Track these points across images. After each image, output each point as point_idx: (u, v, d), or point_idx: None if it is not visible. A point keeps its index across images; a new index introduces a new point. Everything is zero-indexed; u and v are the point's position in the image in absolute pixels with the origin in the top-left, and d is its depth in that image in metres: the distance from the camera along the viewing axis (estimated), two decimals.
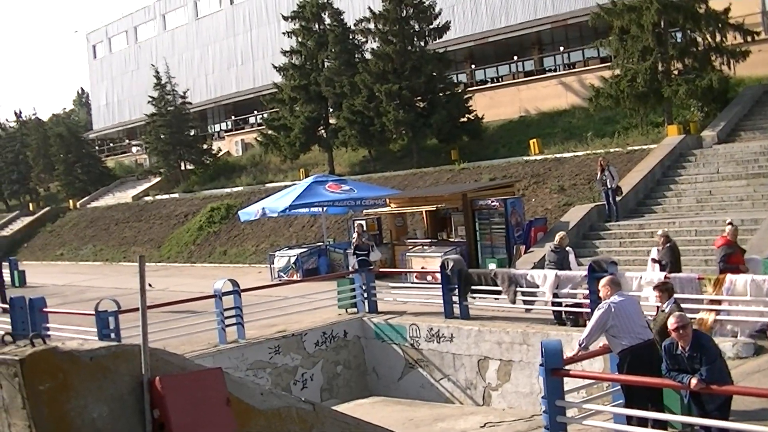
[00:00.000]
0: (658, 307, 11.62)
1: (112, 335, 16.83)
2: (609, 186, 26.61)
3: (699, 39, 32.53)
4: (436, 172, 38.81)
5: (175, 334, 18.58)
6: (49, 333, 18.69)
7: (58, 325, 19.52)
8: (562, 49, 48.30)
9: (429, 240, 28.03)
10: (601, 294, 10.61)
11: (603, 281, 10.63)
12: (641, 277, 16.22)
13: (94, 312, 17.37)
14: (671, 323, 9.19)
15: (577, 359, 10.78)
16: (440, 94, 41.36)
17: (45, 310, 19.81)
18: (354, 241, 26.85)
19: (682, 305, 15.33)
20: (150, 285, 31.76)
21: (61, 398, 8.14)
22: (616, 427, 10.32)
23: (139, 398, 8.47)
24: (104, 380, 8.43)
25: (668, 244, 17.95)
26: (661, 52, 31.79)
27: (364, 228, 28.08)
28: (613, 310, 10.15)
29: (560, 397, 9.84)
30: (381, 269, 25.30)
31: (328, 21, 46.16)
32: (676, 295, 14.82)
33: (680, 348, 9.12)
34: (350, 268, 24.21)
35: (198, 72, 69.88)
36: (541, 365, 9.88)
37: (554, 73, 45.59)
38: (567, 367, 10.09)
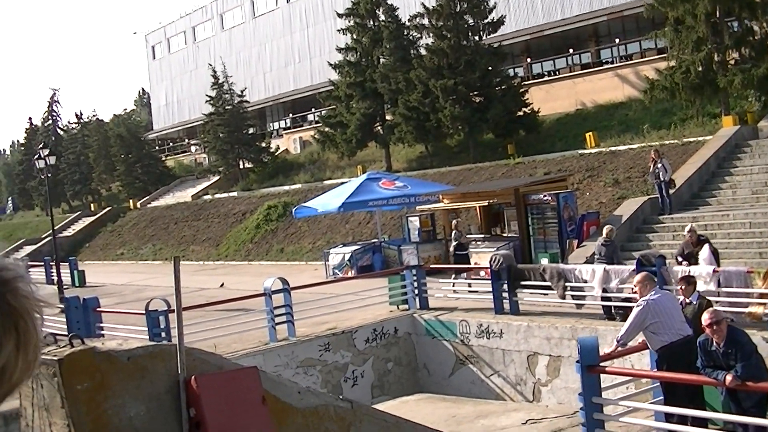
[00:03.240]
0: (682, 300, 11.53)
1: (163, 334, 17.06)
2: (662, 179, 26.36)
3: (756, 28, 31.98)
4: (491, 167, 38.71)
5: (226, 332, 18.86)
6: (102, 332, 19.10)
7: (112, 324, 19.90)
8: (618, 41, 47.80)
9: (482, 235, 28.00)
10: (636, 291, 10.55)
11: (638, 278, 10.60)
12: (689, 271, 16.05)
13: (144, 311, 17.66)
14: (705, 319, 9.14)
15: (614, 356, 10.74)
16: (496, 89, 41.20)
17: (98, 309, 20.18)
18: (454, 238, 26.31)
19: (733, 299, 15.25)
20: (222, 284, 32.27)
21: (99, 397, 8.35)
22: (655, 425, 10.27)
23: (176, 397, 8.66)
24: (141, 380, 8.63)
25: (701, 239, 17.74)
26: (716, 42, 31.33)
27: (457, 226, 27.11)
28: (651, 307, 10.11)
29: (597, 393, 9.83)
30: (433, 265, 25.33)
31: (382, 17, 46.23)
32: (727, 288, 14.72)
33: (715, 344, 9.06)
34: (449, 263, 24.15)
35: (256, 70, 70.40)
36: (577, 362, 9.88)
37: (610, 66, 45.18)
38: (606, 364, 10.08)
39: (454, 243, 25.98)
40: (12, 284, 1.26)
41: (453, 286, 22.64)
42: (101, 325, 19.91)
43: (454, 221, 27.48)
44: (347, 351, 19.52)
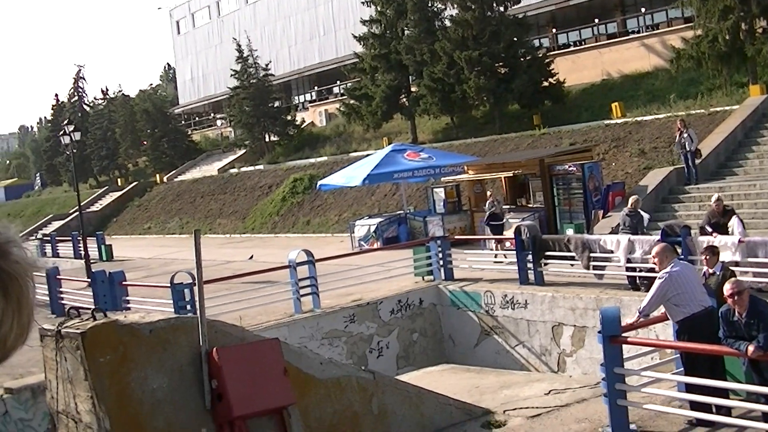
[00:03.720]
0: (706, 270, 11.48)
1: (188, 307, 17.17)
2: (688, 149, 26.20)
3: None
4: (517, 137, 38.57)
5: (253, 305, 18.98)
6: (129, 306, 19.28)
7: (138, 298, 20.06)
8: (644, 10, 47.29)
9: (508, 206, 27.96)
10: (655, 262, 10.49)
11: (655, 249, 10.53)
12: (715, 241, 15.96)
13: (169, 284, 17.78)
14: (727, 289, 9.09)
15: (637, 326, 10.73)
16: (521, 59, 40.97)
17: (124, 283, 20.34)
18: (487, 208, 25.94)
19: (757, 269, 15.16)
20: (251, 257, 32.41)
21: (122, 370, 8.46)
22: (678, 395, 10.26)
23: (198, 369, 8.76)
24: (164, 352, 8.73)
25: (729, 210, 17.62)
26: (743, 11, 30.96)
27: (494, 195, 26.95)
28: (673, 279, 10.06)
29: (619, 364, 9.83)
30: (458, 236, 25.32)
31: None
32: (755, 259, 14.63)
33: (737, 314, 9.02)
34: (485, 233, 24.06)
35: (281, 44, 70.25)
36: (599, 332, 9.87)
37: (637, 35, 44.73)
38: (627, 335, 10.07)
39: (488, 212, 25.77)
40: (3, 248, 1.24)
41: (495, 257, 22.63)
42: (127, 298, 20.10)
43: (489, 191, 27.42)
44: (372, 322, 19.59)
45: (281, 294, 19.41)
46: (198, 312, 9.29)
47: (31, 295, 1.28)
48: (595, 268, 18.26)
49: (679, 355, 10.62)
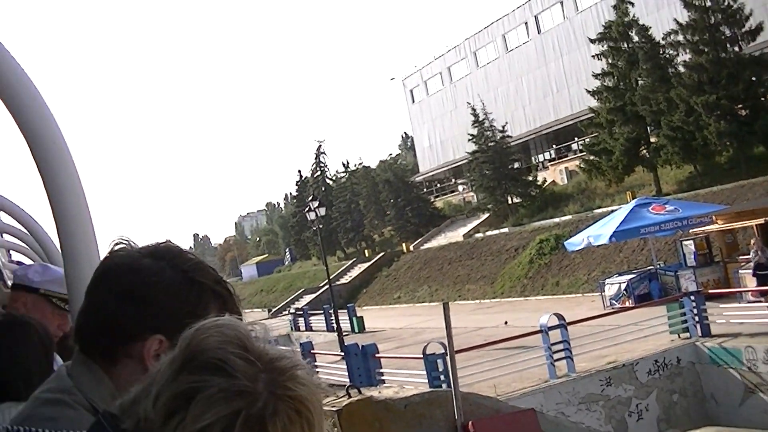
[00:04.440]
0: None
1: (442, 377, 17.51)
2: None
3: None
4: (765, 181, 37.00)
5: (507, 371, 19.11)
6: (382, 378, 19.88)
7: (392, 369, 20.65)
8: None
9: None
10: None
11: None
12: None
13: (422, 355, 18.21)
14: None
15: None
16: (762, 99, 39.53)
17: (377, 355, 20.96)
18: (752, 257, 25.00)
19: None
20: (506, 322, 32.68)
21: None
22: None
23: None
24: (419, 427, 9.09)
25: None
26: None
27: (758, 244, 25.38)
28: None
29: None
30: (712, 290, 24.56)
31: (635, 38, 45.63)
32: None
33: None
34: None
35: (515, 104, 70.74)
36: None
37: None
38: None
39: (753, 262, 24.77)
40: (292, 372, 1.30)
41: None
42: (381, 371, 20.69)
43: (752, 239, 26.40)
44: (629, 384, 19.28)
45: (535, 359, 19.49)
46: (452, 385, 9.61)
47: (321, 416, 1.33)
48: None
49: None
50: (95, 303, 1.77)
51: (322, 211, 44.86)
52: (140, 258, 1.77)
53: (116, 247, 1.82)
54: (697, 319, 20.69)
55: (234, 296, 1.81)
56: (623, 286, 30.88)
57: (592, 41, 48.89)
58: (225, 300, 1.78)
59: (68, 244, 3.88)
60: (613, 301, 30.95)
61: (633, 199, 37.44)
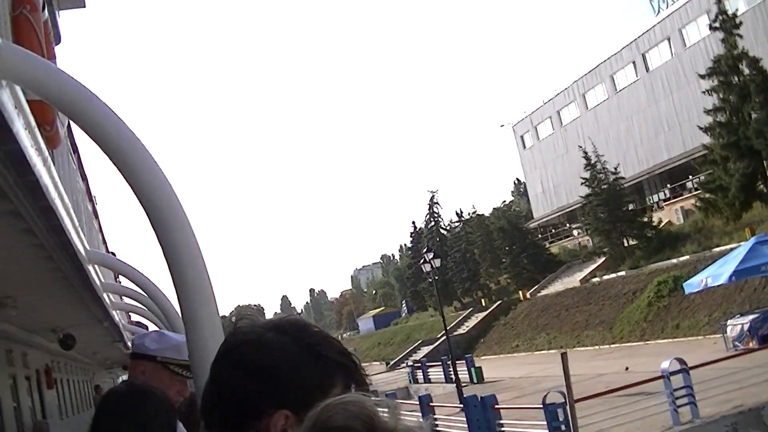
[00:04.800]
0: None
1: (562, 427, 17.28)
2: None
3: None
4: None
5: (629, 419, 18.73)
6: (503, 430, 19.69)
7: (511, 420, 20.44)
8: None
9: None
10: None
11: None
12: None
13: (541, 405, 18.01)
14: None
15: None
16: None
17: (496, 407, 20.78)
18: None
19: None
20: (627, 368, 32.10)
21: None
22: None
23: None
24: None
25: None
26: None
27: None
28: None
29: None
30: None
31: (746, 71, 44.75)
32: None
33: None
34: None
35: (626, 145, 69.94)
36: None
37: None
38: None
39: None
40: None
41: None
42: (500, 421, 20.50)
43: None
44: (757, 429, 18.66)
45: (657, 406, 19.07)
46: None
47: None
48: None
49: None
50: (220, 379, 1.79)
51: (437, 262, 44.97)
52: (264, 333, 1.79)
53: (239, 323, 1.85)
54: None
55: (359, 367, 1.81)
56: (746, 326, 30.04)
57: (702, 77, 48.21)
58: (350, 371, 1.78)
59: (189, 310, 4.03)
60: (736, 343, 30.11)
61: (752, 236, 36.43)
